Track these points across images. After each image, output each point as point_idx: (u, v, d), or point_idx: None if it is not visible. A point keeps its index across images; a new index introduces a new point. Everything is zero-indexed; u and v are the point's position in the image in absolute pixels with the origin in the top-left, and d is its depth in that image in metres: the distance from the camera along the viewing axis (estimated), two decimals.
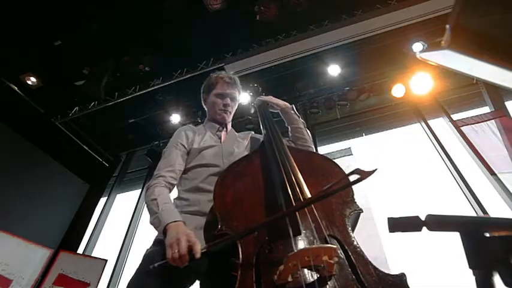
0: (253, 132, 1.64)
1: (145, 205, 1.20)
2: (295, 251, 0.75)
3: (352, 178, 0.81)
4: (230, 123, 1.62)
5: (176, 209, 1.12)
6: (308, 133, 1.53)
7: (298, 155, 1.18)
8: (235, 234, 0.91)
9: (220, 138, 1.49)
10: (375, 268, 0.79)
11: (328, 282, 0.73)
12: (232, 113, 1.59)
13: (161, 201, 1.12)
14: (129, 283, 1.07)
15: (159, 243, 1.16)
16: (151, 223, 1.11)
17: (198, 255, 0.90)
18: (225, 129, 1.55)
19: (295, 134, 1.53)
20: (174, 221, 1.03)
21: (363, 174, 0.79)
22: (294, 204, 0.92)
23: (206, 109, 1.62)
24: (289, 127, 1.57)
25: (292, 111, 1.56)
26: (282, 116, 1.59)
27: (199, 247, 0.92)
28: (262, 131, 1.45)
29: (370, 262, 0.81)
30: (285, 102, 1.61)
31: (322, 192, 0.87)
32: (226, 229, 0.94)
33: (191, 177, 1.32)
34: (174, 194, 1.38)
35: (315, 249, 0.74)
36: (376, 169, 0.78)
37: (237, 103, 1.60)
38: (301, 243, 0.82)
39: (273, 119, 1.49)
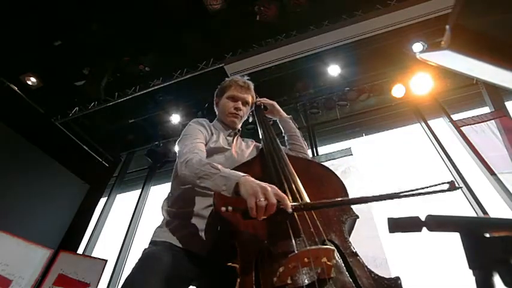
0: (254, 141, 1.63)
1: (193, 176, 1.03)
2: (296, 252, 0.75)
3: (440, 187, 0.81)
4: (240, 130, 1.57)
5: None
6: (304, 142, 1.56)
7: (296, 163, 1.19)
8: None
9: (230, 144, 1.44)
10: (371, 272, 0.81)
11: (327, 285, 0.73)
12: (243, 119, 1.54)
13: (216, 165, 1.01)
14: (127, 279, 1.03)
15: (157, 243, 1.15)
16: (212, 186, 0.97)
17: (289, 209, 0.81)
18: (237, 135, 1.51)
19: (291, 141, 1.55)
20: (245, 175, 0.92)
21: (452, 186, 0.80)
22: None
23: (217, 112, 1.57)
24: (285, 135, 1.59)
25: (290, 121, 1.61)
26: (280, 124, 1.62)
27: (289, 202, 0.83)
28: (261, 138, 1.45)
29: (366, 266, 0.82)
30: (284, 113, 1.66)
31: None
32: (227, 232, 0.94)
33: None
34: (166, 191, 1.34)
35: (314, 250, 0.75)
36: (461, 187, 0.80)
37: (249, 109, 1.56)
38: (301, 246, 0.83)
39: (271, 126, 1.50)
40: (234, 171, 0.98)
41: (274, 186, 0.87)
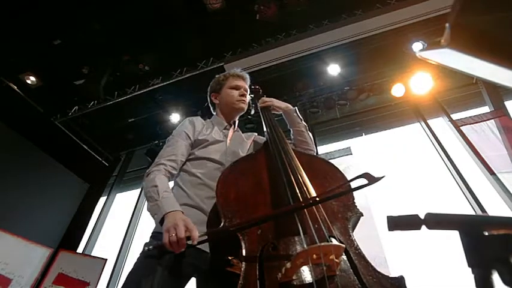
0: (256, 134, 1.62)
1: (144, 192, 1.17)
2: (306, 247, 0.74)
3: (359, 182, 0.83)
4: (237, 122, 1.60)
5: (175, 200, 1.12)
6: (310, 136, 1.52)
7: (301, 158, 1.18)
8: (236, 224, 0.91)
9: (226, 136, 1.47)
10: (375, 270, 0.80)
11: (332, 282, 0.73)
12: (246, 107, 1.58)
13: (161, 189, 1.11)
14: (129, 274, 1.05)
15: (159, 238, 1.14)
16: (149, 210, 1.10)
17: (195, 241, 0.90)
18: (232, 127, 1.53)
19: (297, 137, 1.52)
20: (174, 210, 1.02)
21: (371, 180, 0.81)
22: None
23: (216, 107, 1.60)
24: (291, 129, 1.55)
25: (294, 114, 1.54)
26: (285, 118, 1.58)
27: (197, 233, 0.92)
28: (266, 132, 1.43)
29: (370, 264, 0.82)
30: (287, 104, 1.59)
31: (331, 193, 0.87)
32: (229, 226, 0.94)
33: (192, 170, 1.30)
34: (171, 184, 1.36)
35: (325, 247, 0.74)
36: (383, 176, 0.80)
37: (248, 98, 1.60)
38: (309, 242, 0.82)
39: (276, 120, 1.48)
40: (170, 202, 1.06)
41: (188, 220, 0.98)
